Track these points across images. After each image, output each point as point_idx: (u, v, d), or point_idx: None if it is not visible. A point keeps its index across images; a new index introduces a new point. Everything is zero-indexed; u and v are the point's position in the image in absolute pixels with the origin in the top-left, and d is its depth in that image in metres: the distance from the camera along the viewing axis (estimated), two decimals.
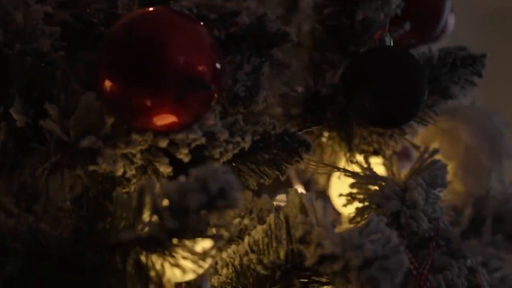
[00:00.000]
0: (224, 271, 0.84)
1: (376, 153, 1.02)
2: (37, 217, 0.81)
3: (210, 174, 0.68)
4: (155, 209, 0.69)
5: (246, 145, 0.83)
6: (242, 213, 0.87)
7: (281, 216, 0.80)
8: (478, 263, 1.00)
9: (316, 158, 1.02)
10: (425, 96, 0.87)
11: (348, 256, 0.73)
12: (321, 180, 1.11)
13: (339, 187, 1.04)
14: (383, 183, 0.92)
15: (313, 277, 0.79)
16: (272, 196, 1.00)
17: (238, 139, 0.82)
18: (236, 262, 0.82)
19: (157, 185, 0.70)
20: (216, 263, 0.88)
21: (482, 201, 1.08)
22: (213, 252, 0.72)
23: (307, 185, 1.15)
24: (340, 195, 1.00)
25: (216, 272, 0.87)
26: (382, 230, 0.76)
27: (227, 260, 0.84)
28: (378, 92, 0.86)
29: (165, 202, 0.68)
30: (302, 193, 0.79)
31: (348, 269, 0.73)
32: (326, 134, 1.00)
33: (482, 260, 1.05)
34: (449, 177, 1.09)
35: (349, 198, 0.95)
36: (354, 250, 0.73)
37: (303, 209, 0.79)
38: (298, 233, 0.78)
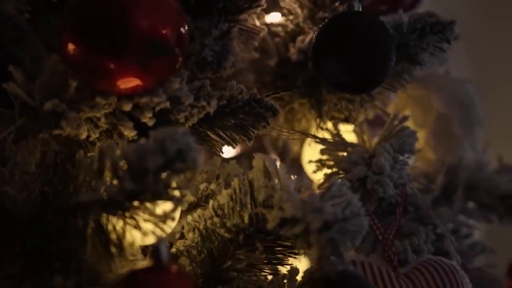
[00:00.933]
0: (190, 235, 0.85)
1: (347, 120, 1.02)
2: (3, 181, 0.81)
3: (168, 135, 0.69)
4: (115, 171, 0.69)
5: (211, 109, 0.83)
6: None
7: (246, 181, 0.80)
8: (448, 229, 1.01)
9: (287, 125, 1.03)
10: (393, 62, 0.87)
11: (308, 219, 0.73)
12: (295, 147, 1.12)
13: (310, 154, 1.05)
14: (352, 150, 0.92)
15: (276, 241, 0.79)
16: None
17: (204, 103, 0.82)
18: (201, 226, 0.82)
19: (117, 148, 0.71)
20: (183, 228, 0.88)
21: (454, 169, 1.08)
22: (174, 214, 0.72)
23: (282, 154, 1.16)
24: (310, 161, 1.00)
25: (182, 236, 0.88)
26: (344, 194, 0.76)
27: (193, 224, 0.84)
28: (345, 58, 0.86)
29: (124, 164, 0.69)
30: (266, 157, 0.79)
31: (309, 231, 0.73)
32: (297, 101, 1.01)
33: (452, 227, 1.06)
34: (421, 145, 1.10)
35: (318, 164, 0.96)
36: (314, 213, 0.73)
37: (267, 174, 0.79)
38: (261, 197, 0.78)
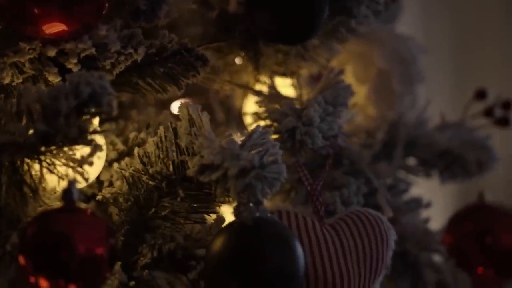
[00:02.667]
0: (118, 183, 0.85)
1: (289, 74, 1.02)
2: None
3: (83, 78, 0.69)
4: (29, 114, 0.70)
5: (138, 57, 0.83)
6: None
7: (170, 128, 0.81)
8: (381, 183, 1.02)
9: (227, 77, 1.03)
10: (324, 13, 0.87)
11: (226, 165, 0.74)
12: (238, 101, 1.12)
13: (250, 107, 1.05)
14: (284, 102, 0.92)
15: (199, 188, 0.80)
16: None
17: (131, 50, 0.82)
18: (127, 174, 0.83)
19: (33, 90, 0.71)
20: (112, 176, 0.89)
21: (395, 125, 1.09)
22: (92, 160, 0.73)
23: (228, 108, 1.16)
24: (245, 114, 1.00)
25: (110, 184, 0.88)
26: (265, 142, 0.77)
27: (120, 172, 0.84)
28: (276, 7, 0.86)
29: (38, 106, 0.69)
30: (189, 105, 0.80)
31: (227, 178, 0.74)
32: (236, 53, 1.01)
33: (390, 183, 1.07)
34: (362, 100, 1.10)
35: (254, 117, 0.96)
36: (232, 160, 0.74)
37: (191, 121, 0.80)
38: (183, 144, 0.79)
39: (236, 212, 0.75)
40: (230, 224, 0.76)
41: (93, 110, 0.69)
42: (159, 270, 0.85)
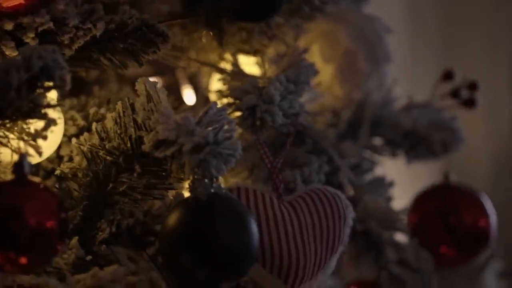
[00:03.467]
0: (77, 158, 0.85)
1: (251, 52, 1.03)
2: None
3: (35, 52, 0.69)
4: None
5: (97, 32, 0.83)
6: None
7: (128, 104, 0.81)
8: (344, 162, 1.02)
9: (193, 55, 1.03)
10: None
11: (180, 141, 0.74)
12: (204, 79, 1.12)
13: (215, 85, 1.05)
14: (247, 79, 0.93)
15: (156, 164, 0.80)
16: None
17: (89, 25, 0.82)
18: (86, 149, 0.83)
19: None
20: (71, 151, 0.89)
21: (361, 105, 1.10)
22: (45, 134, 0.73)
23: (195, 85, 1.16)
24: (209, 91, 1.00)
25: (70, 159, 0.88)
26: (221, 118, 0.77)
27: (79, 147, 0.84)
28: None
29: None
30: (147, 80, 0.80)
31: (182, 153, 0.74)
32: (202, 31, 1.01)
33: (355, 162, 1.08)
34: (328, 80, 1.11)
35: (218, 94, 0.96)
36: (186, 136, 0.74)
37: (149, 97, 0.80)
38: (139, 119, 0.79)
39: (191, 187, 0.75)
40: (185, 199, 0.76)
41: (46, 84, 0.69)
42: (118, 245, 0.86)
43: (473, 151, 3.84)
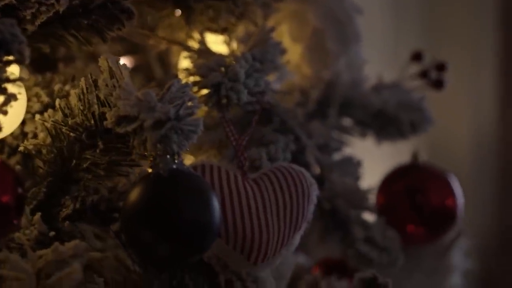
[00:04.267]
0: (42, 135, 0.85)
1: (222, 31, 1.03)
2: None
3: None
4: None
5: (60, 8, 0.82)
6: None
7: (91, 80, 0.81)
8: (311, 142, 1.03)
9: (162, 33, 1.03)
10: None
11: (142, 117, 0.74)
12: (175, 58, 1.12)
13: (184, 63, 1.05)
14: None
15: (121, 141, 0.80)
16: None
17: (52, 1, 0.82)
18: (49, 126, 0.83)
19: None
20: (36, 128, 0.89)
21: (330, 85, 1.10)
22: (6, 108, 0.73)
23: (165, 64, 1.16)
24: (177, 69, 1.00)
25: (34, 136, 0.88)
26: (184, 95, 0.77)
27: (43, 123, 0.84)
28: None
29: None
30: (109, 56, 0.80)
31: (143, 129, 0.74)
32: (170, 8, 1.00)
33: (323, 141, 1.08)
34: (297, 59, 1.11)
35: (185, 72, 0.96)
36: (147, 112, 0.74)
37: (111, 73, 0.80)
38: (102, 96, 0.79)
39: (153, 163, 0.76)
40: (146, 175, 0.76)
41: (4, 58, 0.68)
42: (83, 222, 0.86)
43: (455, 133, 3.87)
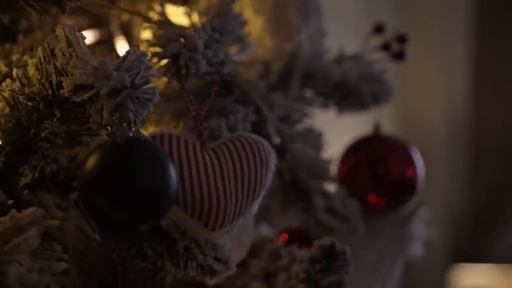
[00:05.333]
0: (0, 105, 0.86)
1: (183, 3, 1.03)
2: None
3: None
4: None
5: None
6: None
7: (48, 49, 0.81)
8: (273, 113, 1.04)
9: (123, 5, 1.03)
10: None
11: (98, 85, 0.75)
12: (137, 29, 1.12)
13: (144, 34, 1.06)
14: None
15: (74, 108, 0.80)
16: None
17: None
18: (7, 95, 0.83)
19: None
20: None
21: (292, 56, 1.11)
22: None
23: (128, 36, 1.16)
24: (140, 41, 1.01)
25: None
26: (140, 63, 0.78)
27: (1, 93, 0.85)
28: None
29: None
30: (66, 25, 0.80)
31: (99, 97, 0.75)
32: None
33: (285, 112, 1.09)
34: (259, 31, 1.12)
35: (146, 44, 0.97)
36: (103, 80, 0.75)
37: (68, 42, 0.80)
38: (58, 64, 0.79)
39: (109, 131, 0.77)
40: (103, 143, 0.77)
41: None
42: (42, 191, 0.87)
43: (428, 107, 3.90)
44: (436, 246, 3.86)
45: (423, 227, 1.18)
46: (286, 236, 1.12)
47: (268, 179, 0.89)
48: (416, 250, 1.18)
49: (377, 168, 1.12)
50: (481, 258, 3.84)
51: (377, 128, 1.16)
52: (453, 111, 4.13)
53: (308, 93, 1.15)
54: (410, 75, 4.10)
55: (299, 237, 1.10)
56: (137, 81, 0.75)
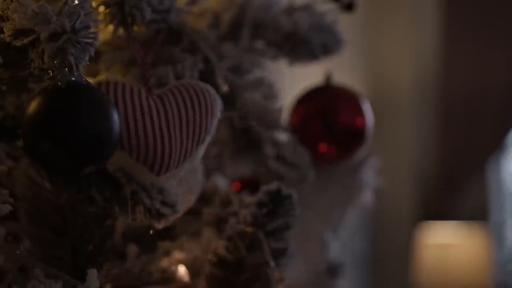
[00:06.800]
0: None
1: None
2: None
3: None
4: None
5: None
6: None
7: None
8: (222, 63, 1.05)
9: None
10: None
11: (38, 29, 0.76)
12: None
13: None
14: None
15: (16, 54, 0.81)
16: None
17: None
18: None
19: None
20: None
21: (242, 7, 1.12)
22: None
23: None
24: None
25: None
26: (81, 8, 0.79)
27: None
28: None
29: None
30: None
31: (40, 42, 0.76)
32: None
33: (236, 63, 1.11)
34: None
35: None
36: (43, 24, 0.76)
37: None
38: None
39: (51, 76, 0.77)
40: (45, 87, 0.78)
41: None
42: None
43: (398, 69, 3.93)
44: (405, 205, 3.93)
45: (373, 175, 1.21)
46: (239, 184, 1.14)
47: (213, 125, 0.90)
48: (367, 197, 1.21)
49: (328, 118, 1.14)
50: (448, 216, 3.92)
51: (328, 78, 1.17)
52: (422, 74, 4.16)
53: (259, 44, 1.16)
54: (379, 38, 4.12)
55: (251, 185, 1.12)
56: (77, 25, 0.76)
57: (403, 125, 4.01)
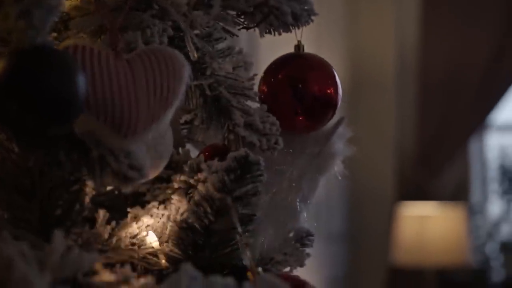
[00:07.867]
0: None
1: None
2: None
3: None
4: None
5: None
6: None
7: None
8: (192, 30, 1.06)
9: None
10: None
11: None
12: None
13: None
14: None
15: None
16: None
17: None
18: None
19: None
20: None
21: None
22: None
23: None
24: None
25: None
26: None
27: None
28: None
29: None
30: None
31: (4, 4, 0.76)
32: None
33: (206, 31, 1.11)
34: None
35: None
36: None
37: None
38: None
39: (16, 39, 0.78)
40: (11, 50, 0.79)
41: None
42: None
43: (378, 47, 3.95)
44: (384, 184, 3.96)
45: (344, 145, 1.22)
46: (209, 152, 1.15)
47: (182, 90, 0.91)
48: (338, 166, 1.22)
49: (298, 86, 1.15)
50: (427, 196, 3.96)
51: (298, 47, 1.18)
52: (402, 52, 4.18)
53: (230, 13, 1.17)
54: (359, 15, 4.13)
55: (221, 153, 1.13)
56: None
57: (383, 104, 4.04)
